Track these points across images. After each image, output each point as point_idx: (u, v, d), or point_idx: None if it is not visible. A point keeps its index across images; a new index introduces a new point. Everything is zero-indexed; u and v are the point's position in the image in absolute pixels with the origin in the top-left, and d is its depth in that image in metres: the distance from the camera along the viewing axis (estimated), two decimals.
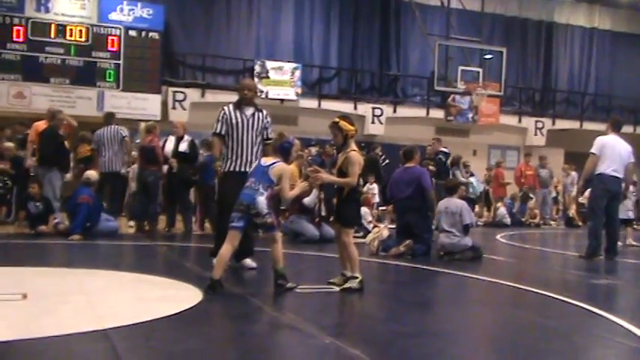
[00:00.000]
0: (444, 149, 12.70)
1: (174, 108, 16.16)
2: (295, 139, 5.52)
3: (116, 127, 10.21)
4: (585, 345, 3.98)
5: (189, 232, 10.26)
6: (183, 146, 10.25)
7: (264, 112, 6.51)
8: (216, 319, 4.39)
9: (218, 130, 6.39)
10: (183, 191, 10.44)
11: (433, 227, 8.55)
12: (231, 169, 6.32)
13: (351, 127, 5.27)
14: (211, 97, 16.31)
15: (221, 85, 16.87)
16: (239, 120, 6.32)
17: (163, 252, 8.13)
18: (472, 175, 15.96)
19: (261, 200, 4.99)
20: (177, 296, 4.85)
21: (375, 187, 13.53)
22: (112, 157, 9.99)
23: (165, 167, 10.23)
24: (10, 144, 10.94)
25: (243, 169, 6.25)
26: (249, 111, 6.39)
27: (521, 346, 3.81)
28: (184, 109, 16.16)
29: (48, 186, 9.55)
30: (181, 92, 16.33)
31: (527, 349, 3.74)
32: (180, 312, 4.20)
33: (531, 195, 16.14)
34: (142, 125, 10.39)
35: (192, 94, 16.50)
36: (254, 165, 6.26)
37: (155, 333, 3.73)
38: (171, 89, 16.27)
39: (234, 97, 6.82)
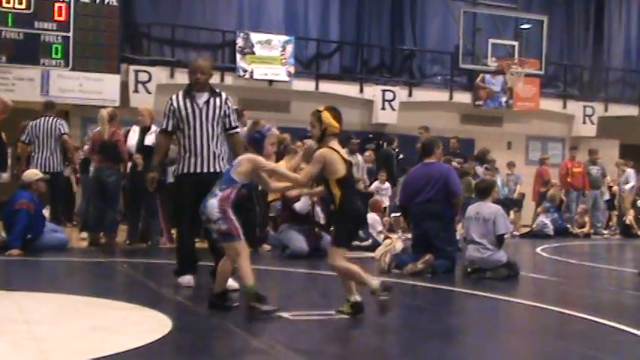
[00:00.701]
0: None
1: (136, 91, 16.14)
2: (272, 127, 5.51)
3: (55, 120, 10.34)
4: None
5: (155, 245, 10.24)
6: (150, 139, 10.20)
7: (224, 95, 6.50)
8: (191, 354, 4.37)
9: (164, 127, 6.41)
10: (149, 195, 10.40)
11: (459, 238, 8.54)
12: (185, 170, 6.33)
13: (334, 123, 5.26)
14: (182, 77, 16.13)
15: None
16: (189, 110, 6.30)
17: (124, 270, 8.10)
18: (498, 173, 15.97)
19: (211, 203, 5.05)
20: (142, 325, 4.84)
21: (388, 187, 13.51)
22: (49, 155, 10.15)
23: (128, 165, 10.22)
24: None
25: (199, 170, 6.26)
26: (203, 98, 6.35)
27: None
28: (149, 93, 16.14)
29: None
30: (145, 72, 16.31)
31: None
32: (146, 345, 4.18)
33: (563, 197, 16.09)
34: (104, 113, 10.29)
35: (159, 74, 16.49)
36: (213, 163, 6.30)
37: None
38: (132, 68, 16.25)
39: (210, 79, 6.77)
